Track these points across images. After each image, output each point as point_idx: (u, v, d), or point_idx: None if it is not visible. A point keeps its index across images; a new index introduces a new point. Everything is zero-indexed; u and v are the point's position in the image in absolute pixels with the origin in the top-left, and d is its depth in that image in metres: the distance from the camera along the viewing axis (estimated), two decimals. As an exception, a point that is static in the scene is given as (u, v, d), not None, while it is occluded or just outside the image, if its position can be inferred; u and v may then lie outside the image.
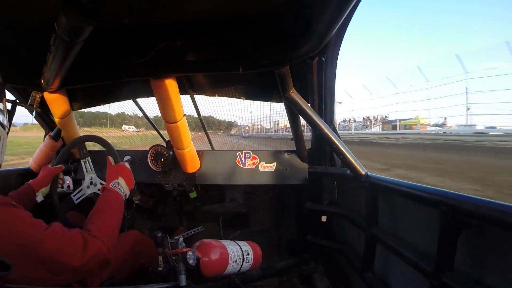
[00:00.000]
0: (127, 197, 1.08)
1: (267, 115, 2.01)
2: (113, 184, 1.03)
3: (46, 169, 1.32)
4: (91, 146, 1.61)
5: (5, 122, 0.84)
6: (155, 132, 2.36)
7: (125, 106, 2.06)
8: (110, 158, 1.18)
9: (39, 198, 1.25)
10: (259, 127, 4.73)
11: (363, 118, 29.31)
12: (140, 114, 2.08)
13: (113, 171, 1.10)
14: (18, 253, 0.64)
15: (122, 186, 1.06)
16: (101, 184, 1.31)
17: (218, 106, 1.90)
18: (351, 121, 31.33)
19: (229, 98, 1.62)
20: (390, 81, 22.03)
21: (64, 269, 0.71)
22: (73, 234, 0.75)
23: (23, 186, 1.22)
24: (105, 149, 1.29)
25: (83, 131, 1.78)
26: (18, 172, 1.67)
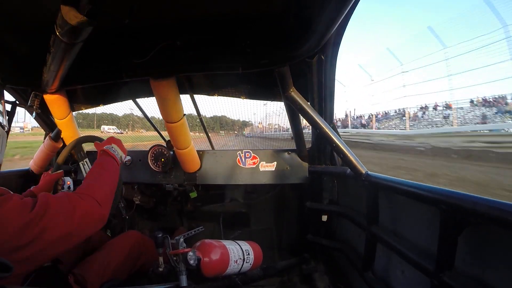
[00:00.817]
0: (123, 160, 1.07)
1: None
2: (108, 147, 1.02)
3: (47, 175, 1.32)
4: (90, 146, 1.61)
5: (5, 123, 0.84)
6: (142, 133, 2.31)
7: (115, 107, 2.02)
8: (97, 142, 1.15)
9: None
10: (276, 126, 3.99)
11: (472, 101, 16.32)
12: (122, 114, 2.04)
13: (103, 142, 1.08)
14: (14, 240, 0.63)
15: (116, 149, 1.04)
16: None
17: (228, 104, 1.85)
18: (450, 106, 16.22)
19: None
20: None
21: (62, 238, 0.70)
22: (59, 200, 0.74)
23: (25, 193, 1.22)
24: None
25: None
26: (19, 173, 1.67)
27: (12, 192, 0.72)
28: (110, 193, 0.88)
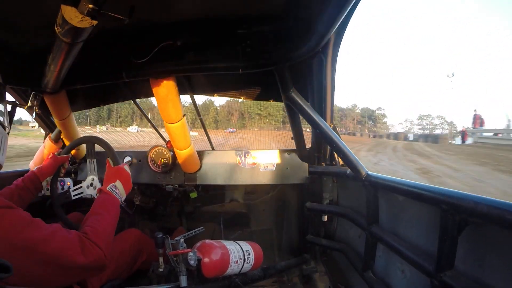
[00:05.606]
0: (123, 200, 1.06)
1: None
2: (110, 187, 1.01)
3: (53, 157, 1.30)
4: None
5: (6, 123, 0.84)
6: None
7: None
8: (110, 161, 1.17)
9: (44, 185, 1.26)
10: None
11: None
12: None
13: (112, 173, 1.09)
14: (21, 255, 0.63)
15: (119, 189, 1.04)
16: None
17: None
18: None
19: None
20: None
21: (69, 267, 0.70)
22: (71, 236, 0.74)
23: (28, 174, 1.22)
24: (106, 151, 1.28)
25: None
26: (19, 174, 1.66)
27: (14, 205, 0.71)
28: (112, 240, 0.88)
